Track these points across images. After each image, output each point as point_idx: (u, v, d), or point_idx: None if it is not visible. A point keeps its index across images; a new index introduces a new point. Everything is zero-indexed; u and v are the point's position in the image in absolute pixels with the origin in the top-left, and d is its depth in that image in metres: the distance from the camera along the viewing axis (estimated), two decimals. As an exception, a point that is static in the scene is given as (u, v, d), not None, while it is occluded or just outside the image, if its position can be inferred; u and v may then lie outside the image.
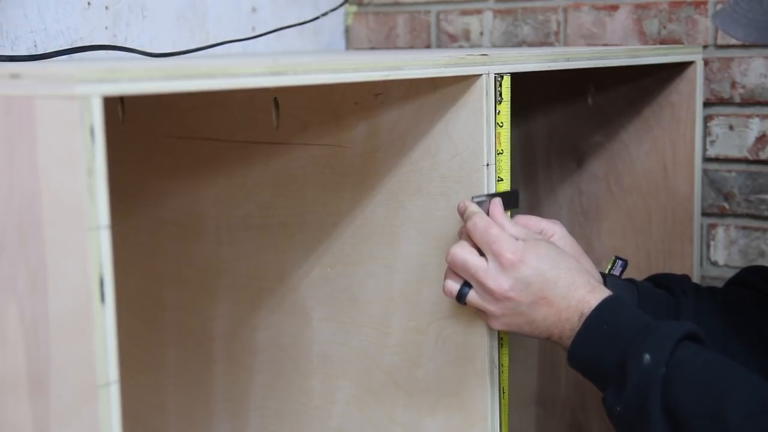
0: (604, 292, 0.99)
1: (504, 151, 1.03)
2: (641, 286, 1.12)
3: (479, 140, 1.02)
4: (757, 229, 1.39)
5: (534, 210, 1.53)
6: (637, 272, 1.41)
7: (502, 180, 1.03)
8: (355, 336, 1.15)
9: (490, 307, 0.99)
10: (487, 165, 1.02)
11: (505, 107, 1.02)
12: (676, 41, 1.42)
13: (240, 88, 0.79)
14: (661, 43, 1.43)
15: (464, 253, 0.98)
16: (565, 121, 1.48)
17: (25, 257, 0.74)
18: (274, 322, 1.23)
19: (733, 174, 1.40)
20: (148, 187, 1.34)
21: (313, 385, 1.20)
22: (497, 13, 1.57)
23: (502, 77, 1.02)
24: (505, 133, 1.03)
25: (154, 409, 1.38)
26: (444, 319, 1.06)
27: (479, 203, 1.01)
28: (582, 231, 1.47)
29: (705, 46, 1.39)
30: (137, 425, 1.40)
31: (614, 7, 1.47)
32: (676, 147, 1.35)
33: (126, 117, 1.31)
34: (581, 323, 0.97)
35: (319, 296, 1.18)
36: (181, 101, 1.27)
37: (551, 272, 0.97)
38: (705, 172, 1.41)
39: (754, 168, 1.38)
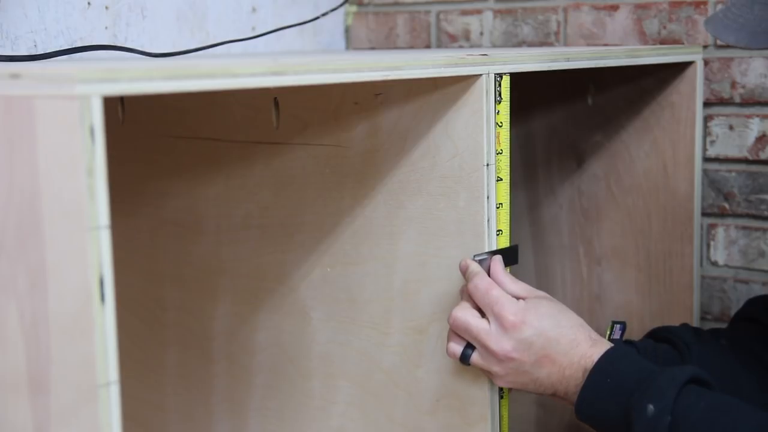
0: (606, 345, 0.99)
1: (504, 150, 1.03)
2: (642, 345, 1.11)
3: (479, 140, 1.02)
4: (757, 229, 1.39)
5: (534, 210, 1.53)
6: (637, 272, 1.41)
7: (501, 180, 1.03)
8: (355, 336, 1.15)
9: (494, 368, 0.99)
10: (487, 165, 1.02)
11: (505, 107, 1.02)
12: (676, 41, 1.42)
13: (240, 88, 0.79)
14: (661, 43, 1.43)
15: (466, 315, 0.99)
16: (565, 121, 1.48)
17: (25, 257, 0.74)
18: (274, 322, 1.23)
19: (733, 174, 1.40)
20: (148, 187, 1.34)
21: (313, 385, 1.20)
22: (497, 13, 1.57)
23: (501, 77, 1.02)
24: (505, 132, 1.03)
25: (154, 409, 1.38)
26: (444, 319, 1.06)
27: (480, 261, 1.02)
28: (582, 231, 1.47)
29: (705, 46, 1.39)
30: (137, 425, 1.40)
31: (614, 7, 1.47)
32: (676, 147, 1.35)
33: (126, 117, 1.31)
34: (585, 379, 0.97)
35: (319, 296, 1.18)
36: (181, 101, 1.26)
37: (553, 331, 0.98)
38: (705, 172, 1.41)
39: (754, 168, 1.38)
